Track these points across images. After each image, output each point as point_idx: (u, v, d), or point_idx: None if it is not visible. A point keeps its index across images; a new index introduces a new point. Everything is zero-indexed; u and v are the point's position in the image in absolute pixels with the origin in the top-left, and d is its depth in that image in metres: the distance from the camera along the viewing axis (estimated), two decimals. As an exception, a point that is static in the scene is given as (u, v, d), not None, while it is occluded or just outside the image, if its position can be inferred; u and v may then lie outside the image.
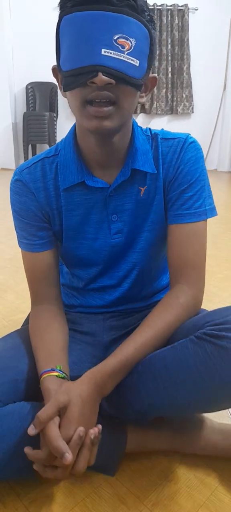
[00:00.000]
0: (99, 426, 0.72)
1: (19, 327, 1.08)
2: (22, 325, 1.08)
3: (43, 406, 0.76)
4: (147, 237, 0.93)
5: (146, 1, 0.75)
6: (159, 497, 0.81)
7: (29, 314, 0.99)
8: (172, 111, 5.66)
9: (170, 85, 5.52)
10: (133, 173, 0.87)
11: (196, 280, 0.87)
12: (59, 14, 0.72)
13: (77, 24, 0.69)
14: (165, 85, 5.51)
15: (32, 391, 0.84)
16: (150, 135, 0.90)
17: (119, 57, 0.69)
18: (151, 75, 0.80)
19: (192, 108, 5.66)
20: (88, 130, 0.76)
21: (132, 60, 0.71)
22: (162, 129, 0.93)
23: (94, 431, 0.70)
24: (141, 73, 0.73)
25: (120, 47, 0.69)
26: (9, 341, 0.94)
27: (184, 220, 0.86)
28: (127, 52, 0.70)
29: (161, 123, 5.63)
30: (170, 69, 5.43)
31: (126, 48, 0.69)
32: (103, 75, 0.68)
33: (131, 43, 0.70)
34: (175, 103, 5.59)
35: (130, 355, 0.78)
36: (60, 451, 0.65)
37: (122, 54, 0.69)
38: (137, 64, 0.72)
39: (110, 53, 0.68)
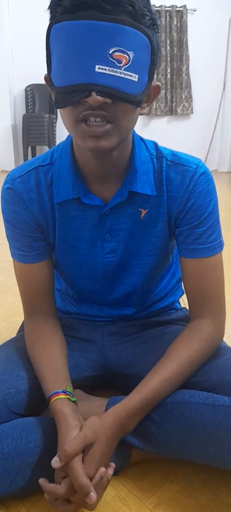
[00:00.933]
0: (113, 464, 0.72)
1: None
2: (18, 331, 1.06)
3: (48, 421, 0.77)
4: (148, 261, 0.90)
5: (148, 1, 0.66)
6: (161, 499, 0.80)
7: (24, 321, 0.97)
8: (171, 112, 5.66)
9: (169, 86, 5.52)
10: (131, 194, 0.82)
11: (217, 313, 0.86)
12: (49, 21, 0.65)
13: (68, 35, 0.61)
14: (164, 86, 5.51)
15: (33, 402, 0.84)
16: (154, 154, 0.84)
17: (115, 74, 0.62)
18: (153, 83, 0.73)
19: (192, 109, 5.65)
20: (84, 149, 0.71)
21: (129, 75, 0.63)
22: (171, 150, 0.85)
23: (111, 471, 0.70)
24: (140, 88, 0.66)
25: (116, 62, 0.61)
26: (4, 352, 0.92)
27: (199, 255, 0.82)
28: (124, 67, 0.62)
29: (160, 124, 5.62)
30: (169, 70, 5.43)
31: (123, 62, 0.62)
32: (97, 94, 0.62)
33: (129, 56, 0.62)
34: (174, 104, 5.59)
35: (156, 390, 0.76)
36: (86, 490, 0.65)
37: (118, 70, 0.62)
38: (136, 79, 0.64)
39: (105, 69, 0.61)
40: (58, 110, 0.70)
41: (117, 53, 0.61)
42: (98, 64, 0.61)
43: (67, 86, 0.64)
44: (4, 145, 5.37)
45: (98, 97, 0.62)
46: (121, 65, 0.62)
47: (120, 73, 0.62)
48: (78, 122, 0.67)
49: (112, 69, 0.61)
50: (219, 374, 0.79)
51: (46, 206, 0.84)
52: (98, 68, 0.61)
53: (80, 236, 0.87)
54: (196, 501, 0.80)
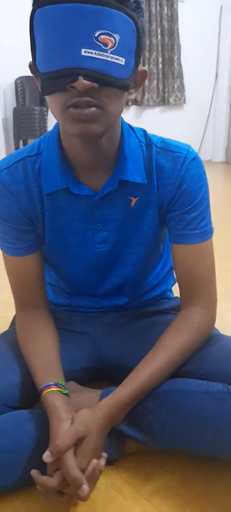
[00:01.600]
0: (105, 454, 0.72)
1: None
2: (11, 324, 1.06)
3: (41, 414, 0.77)
4: (139, 251, 0.89)
5: None
6: (155, 487, 0.81)
7: (15, 315, 0.96)
8: (164, 102, 5.63)
9: (161, 76, 5.48)
10: (122, 182, 0.81)
11: (208, 300, 0.85)
12: (32, 5, 0.63)
13: (52, 19, 0.60)
14: (156, 76, 5.47)
15: (26, 395, 0.83)
16: (143, 142, 0.83)
17: (102, 57, 0.61)
18: (140, 68, 0.72)
19: (184, 99, 5.63)
20: (72, 134, 0.70)
21: (116, 59, 0.62)
22: (161, 137, 0.84)
23: (103, 462, 0.71)
24: (127, 72, 0.65)
25: (102, 45, 0.60)
26: None
27: (190, 240, 0.82)
28: (111, 50, 0.61)
29: (153, 115, 5.60)
30: (160, 59, 5.39)
31: (109, 45, 0.61)
32: (84, 78, 0.61)
33: (115, 39, 0.61)
34: (166, 94, 5.56)
35: (146, 381, 0.76)
36: (78, 482, 0.65)
37: (104, 54, 0.61)
38: (123, 63, 0.64)
39: (92, 53, 0.60)
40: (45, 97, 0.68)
41: (102, 36, 0.60)
42: (84, 48, 0.60)
43: (53, 72, 0.63)
44: (-5, 139, 5.33)
45: (85, 81, 0.61)
46: (107, 48, 0.61)
47: (107, 56, 0.61)
48: (66, 108, 0.65)
49: (98, 52, 0.61)
50: (213, 362, 0.80)
51: (35, 197, 0.83)
52: (85, 52, 0.60)
53: (71, 227, 0.86)
54: (190, 489, 0.80)
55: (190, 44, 5.41)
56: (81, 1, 0.58)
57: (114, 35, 0.61)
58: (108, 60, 0.62)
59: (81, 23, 0.59)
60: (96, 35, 0.60)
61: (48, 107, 5.13)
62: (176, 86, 5.55)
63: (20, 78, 5.10)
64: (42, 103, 5.15)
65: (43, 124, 5.01)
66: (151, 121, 5.37)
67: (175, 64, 5.43)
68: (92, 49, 0.60)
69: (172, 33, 5.33)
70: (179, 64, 5.45)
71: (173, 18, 5.27)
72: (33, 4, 0.63)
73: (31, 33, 0.65)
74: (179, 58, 5.42)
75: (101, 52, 0.61)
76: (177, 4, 5.23)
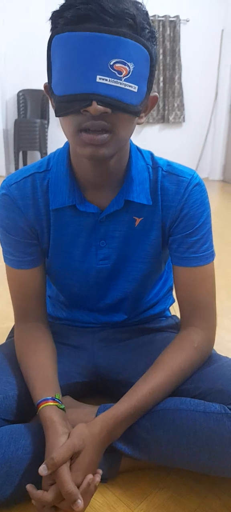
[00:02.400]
0: (100, 470, 0.73)
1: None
2: (8, 337, 1.06)
3: (37, 428, 0.76)
4: (141, 269, 0.90)
5: (147, 14, 0.67)
6: (150, 506, 0.80)
7: (14, 326, 0.96)
8: (163, 120, 5.70)
9: (161, 95, 5.56)
10: (127, 202, 0.83)
11: (208, 322, 0.86)
12: (51, 31, 0.66)
13: (70, 46, 0.62)
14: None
15: (22, 408, 0.83)
16: (150, 164, 0.85)
17: (116, 84, 0.63)
18: (151, 94, 0.74)
19: (184, 117, 5.70)
20: (83, 157, 0.72)
21: (130, 86, 0.64)
22: (167, 161, 0.87)
23: (99, 478, 0.71)
24: (139, 98, 0.67)
25: (116, 73, 0.62)
26: None
27: (191, 264, 0.84)
28: (125, 78, 0.63)
29: (152, 132, 5.66)
30: (161, 78, 5.47)
31: (123, 73, 0.63)
32: (98, 104, 0.63)
33: (129, 68, 0.63)
34: (166, 112, 5.63)
35: (144, 399, 0.77)
36: (73, 497, 0.65)
37: (118, 81, 0.63)
38: (135, 90, 0.66)
39: (106, 80, 0.62)
40: (50, 114, 0.70)
41: (117, 65, 0.62)
42: (99, 75, 0.62)
43: (68, 95, 0.65)
44: (-5, 150, 5.35)
45: (99, 106, 0.63)
46: (121, 76, 0.63)
47: (120, 83, 0.63)
48: (79, 132, 0.68)
49: (113, 79, 0.63)
50: (210, 381, 0.80)
51: (42, 212, 0.84)
52: (99, 79, 0.62)
53: (75, 242, 0.87)
54: (184, 508, 0.80)
55: (191, 64, 5.49)
56: (99, 31, 0.60)
57: (129, 64, 0.63)
58: (122, 87, 0.64)
59: (97, 51, 0.61)
60: (111, 63, 0.62)
61: (49, 120, 5.18)
62: (176, 105, 5.62)
63: (22, 91, 5.15)
64: (43, 116, 5.20)
65: (44, 137, 5.05)
66: (150, 138, 5.43)
67: (176, 84, 5.51)
68: (107, 77, 0.62)
69: (173, 54, 5.42)
70: (180, 83, 5.53)
71: (175, 39, 5.36)
72: (52, 30, 0.66)
73: (48, 57, 0.67)
74: (179, 78, 5.50)
75: (115, 80, 0.63)
76: (179, 26, 5.33)
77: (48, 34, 0.66)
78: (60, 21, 0.64)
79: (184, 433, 0.74)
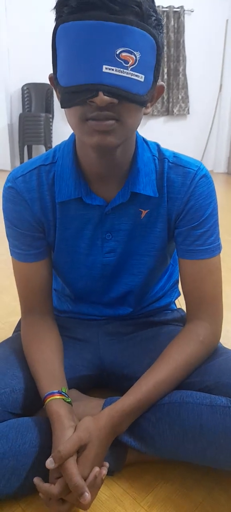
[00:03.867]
0: (107, 463, 0.73)
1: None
2: (14, 331, 1.07)
3: (43, 422, 0.77)
4: (146, 262, 0.90)
5: (153, 1, 0.66)
6: (156, 498, 0.81)
7: (20, 320, 0.97)
8: (168, 112, 5.67)
9: (166, 87, 5.52)
10: (133, 194, 0.82)
11: (214, 315, 0.86)
12: (55, 21, 0.64)
13: (75, 35, 0.61)
14: (161, 87, 5.51)
15: (29, 401, 0.83)
16: (157, 155, 0.84)
17: (122, 74, 0.62)
18: (157, 83, 0.72)
19: (188, 109, 5.67)
20: (89, 146, 0.71)
21: (136, 75, 0.63)
22: (173, 152, 0.85)
23: (105, 470, 0.71)
24: (146, 88, 0.66)
25: (123, 62, 0.61)
26: (0, 351, 0.92)
27: (197, 256, 0.83)
28: (131, 67, 0.62)
29: (157, 124, 5.63)
30: (166, 70, 5.44)
31: (130, 63, 0.62)
32: (104, 94, 0.62)
33: (136, 57, 0.62)
34: (171, 104, 5.60)
35: (150, 393, 0.77)
36: (80, 490, 0.65)
37: (125, 71, 0.62)
38: (142, 80, 0.64)
39: (112, 69, 0.61)
40: (54, 108, 0.70)
41: (124, 54, 0.61)
42: (106, 64, 0.61)
43: (74, 86, 0.64)
44: (0, 145, 5.36)
45: (105, 97, 0.62)
46: (128, 65, 0.62)
47: (127, 73, 0.62)
48: (84, 120, 0.67)
49: (119, 69, 0.61)
50: (216, 375, 0.80)
51: (48, 205, 0.84)
52: (106, 68, 0.61)
53: (81, 235, 0.87)
54: (190, 501, 0.80)
55: (196, 56, 5.46)
56: (104, 19, 0.59)
57: (135, 53, 0.62)
58: (128, 77, 0.63)
59: (103, 40, 0.60)
60: (117, 52, 0.61)
61: (53, 114, 5.17)
62: (180, 97, 5.58)
63: (27, 84, 5.14)
64: (48, 110, 5.19)
65: (48, 130, 5.04)
66: (155, 131, 5.41)
67: (180, 75, 5.47)
68: (113, 66, 0.61)
69: (178, 45, 5.38)
70: (184, 75, 5.49)
71: (179, 30, 5.32)
72: (56, 19, 0.64)
73: (53, 47, 0.66)
74: (184, 70, 5.47)
75: (122, 69, 0.62)
76: (183, 17, 5.29)
77: (52, 26, 0.65)
78: (64, 9, 0.62)
79: (190, 426, 0.74)
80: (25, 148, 5.26)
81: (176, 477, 0.85)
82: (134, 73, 0.63)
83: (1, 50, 5.03)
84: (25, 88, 5.17)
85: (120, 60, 0.61)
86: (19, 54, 5.12)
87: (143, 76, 0.65)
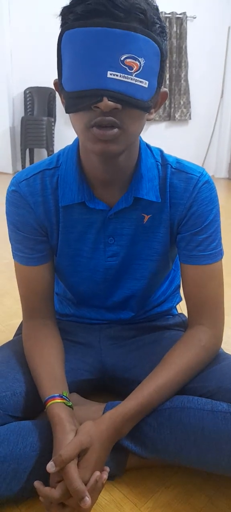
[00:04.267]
0: (107, 468, 0.73)
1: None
2: (15, 334, 1.06)
3: (44, 425, 0.77)
4: (149, 266, 0.90)
5: (157, 8, 0.67)
6: (156, 504, 0.80)
7: (21, 323, 0.97)
8: (169, 117, 5.68)
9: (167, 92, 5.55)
10: (136, 199, 0.82)
11: (216, 321, 0.86)
12: (61, 27, 0.66)
13: (80, 41, 0.62)
14: (162, 92, 5.53)
15: (30, 405, 0.83)
16: (160, 161, 0.85)
17: (126, 80, 0.62)
18: (161, 90, 0.74)
19: (190, 115, 5.68)
20: (93, 152, 0.72)
21: (140, 81, 0.64)
22: (176, 158, 0.86)
23: (106, 475, 0.71)
24: (150, 94, 0.67)
25: (127, 68, 0.62)
26: (0, 354, 0.92)
27: (199, 262, 0.83)
28: (135, 73, 0.63)
29: (158, 130, 5.65)
30: (168, 76, 5.45)
31: (134, 69, 0.63)
32: (108, 99, 0.63)
33: (140, 63, 0.63)
34: (172, 109, 5.62)
35: (151, 397, 0.77)
36: (81, 494, 0.65)
37: (129, 76, 0.62)
38: (146, 86, 0.65)
39: (117, 75, 0.62)
40: (56, 112, 0.70)
41: (128, 60, 0.62)
42: (110, 70, 0.62)
43: (78, 91, 0.65)
44: (2, 147, 5.38)
45: (109, 102, 0.63)
46: (132, 71, 0.63)
47: (131, 79, 0.63)
48: (89, 127, 0.67)
49: (123, 75, 0.62)
50: (218, 380, 0.80)
51: (51, 209, 0.85)
52: (110, 74, 0.62)
53: (83, 239, 0.87)
54: (191, 507, 0.80)
55: (198, 61, 5.47)
56: (109, 26, 0.60)
57: (140, 59, 0.63)
58: (132, 83, 0.63)
59: (108, 47, 0.61)
60: (122, 58, 0.61)
61: (55, 118, 5.19)
62: (182, 102, 5.60)
63: (29, 88, 5.17)
64: (50, 114, 5.21)
65: (50, 134, 5.06)
66: (157, 136, 5.42)
67: (182, 81, 5.49)
68: (118, 72, 0.62)
69: (180, 51, 5.40)
70: (186, 81, 5.51)
71: (181, 36, 5.35)
72: (62, 26, 0.65)
73: (58, 53, 0.67)
74: (186, 75, 5.48)
75: (126, 75, 0.62)
76: (186, 23, 5.31)
77: (55, 31, 0.66)
78: (70, 16, 0.63)
79: (191, 432, 0.74)
80: (27, 151, 5.27)
81: (177, 483, 0.85)
82: (138, 79, 0.64)
83: (4, 53, 5.06)
84: (27, 91, 5.19)
85: (124, 66, 0.62)
86: (22, 58, 5.14)
87: (147, 82, 0.65)
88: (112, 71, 0.62)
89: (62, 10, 0.66)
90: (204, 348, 0.83)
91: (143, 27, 0.62)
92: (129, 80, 0.63)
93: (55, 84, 0.74)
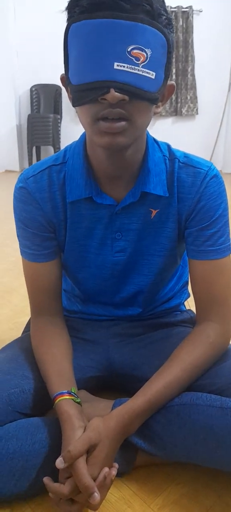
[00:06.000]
0: (116, 464, 0.73)
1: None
2: (24, 331, 1.07)
3: (53, 422, 0.77)
4: (156, 262, 0.90)
5: (163, 0, 0.67)
6: (165, 501, 0.80)
7: (29, 320, 0.97)
8: (176, 112, 5.65)
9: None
10: (143, 194, 0.82)
11: (225, 317, 0.85)
12: (67, 21, 0.65)
13: (86, 34, 0.62)
14: (169, 87, 5.50)
15: (38, 402, 0.84)
16: (167, 155, 0.84)
17: (133, 71, 0.62)
18: (168, 83, 0.73)
19: (197, 110, 5.65)
20: (99, 146, 0.72)
21: (147, 72, 0.64)
22: (184, 152, 0.85)
23: (115, 471, 0.71)
24: (157, 85, 0.67)
25: (134, 59, 0.62)
26: (9, 352, 0.93)
27: (208, 257, 0.82)
28: (142, 64, 0.63)
29: (165, 125, 5.62)
30: (174, 70, 5.42)
31: (141, 60, 0.62)
32: (115, 91, 0.62)
33: (147, 54, 0.63)
34: (179, 104, 5.59)
35: (159, 394, 0.76)
36: (90, 490, 0.65)
37: (136, 67, 0.62)
38: (153, 77, 0.65)
39: (124, 66, 0.62)
40: (63, 109, 0.70)
41: (135, 51, 0.62)
42: (117, 62, 0.62)
43: (85, 84, 0.65)
44: (8, 145, 5.40)
45: (116, 93, 0.63)
46: (139, 62, 0.63)
47: (138, 70, 0.63)
48: (96, 120, 0.67)
49: (130, 66, 0.62)
50: (227, 377, 0.79)
51: (59, 205, 0.85)
52: (117, 65, 0.62)
53: (91, 235, 0.87)
54: (200, 505, 0.79)
55: (204, 56, 5.43)
56: (115, 17, 0.60)
57: (146, 50, 0.63)
58: (139, 74, 0.63)
59: (115, 38, 0.61)
60: (129, 49, 0.61)
61: (61, 115, 5.19)
62: (189, 97, 5.56)
63: (35, 86, 5.17)
64: (56, 111, 5.22)
65: (57, 131, 5.06)
66: (163, 131, 5.39)
67: (189, 76, 5.45)
68: (125, 63, 0.62)
69: (186, 45, 5.36)
70: (193, 75, 5.47)
71: (188, 30, 5.31)
72: (68, 20, 0.66)
73: (65, 47, 0.67)
74: (192, 70, 5.45)
75: (133, 66, 0.62)
76: (192, 17, 5.27)
77: (60, 27, 0.67)
78: (76, 9, 0.63)
79: (200, 428, 0.74)
80: (34, 149, 5.29)
81: (186, 480, 0.85)
82: (145, 70, 0.64)
83: (10, 51, 5.07)
84: (33, 89, 5.20)
85: (131, 57, 0.62)
86: (28, 55, 5.15)
87: (154, 73, 0.65)
88: (119, 62, 0.62)
89: (68, 3, 0.66)
90: (212, 345, 0.82)
91: (149, 18, 0.62)
92: (136, 71, 0.63)
93: (62, 78, 0.74)
